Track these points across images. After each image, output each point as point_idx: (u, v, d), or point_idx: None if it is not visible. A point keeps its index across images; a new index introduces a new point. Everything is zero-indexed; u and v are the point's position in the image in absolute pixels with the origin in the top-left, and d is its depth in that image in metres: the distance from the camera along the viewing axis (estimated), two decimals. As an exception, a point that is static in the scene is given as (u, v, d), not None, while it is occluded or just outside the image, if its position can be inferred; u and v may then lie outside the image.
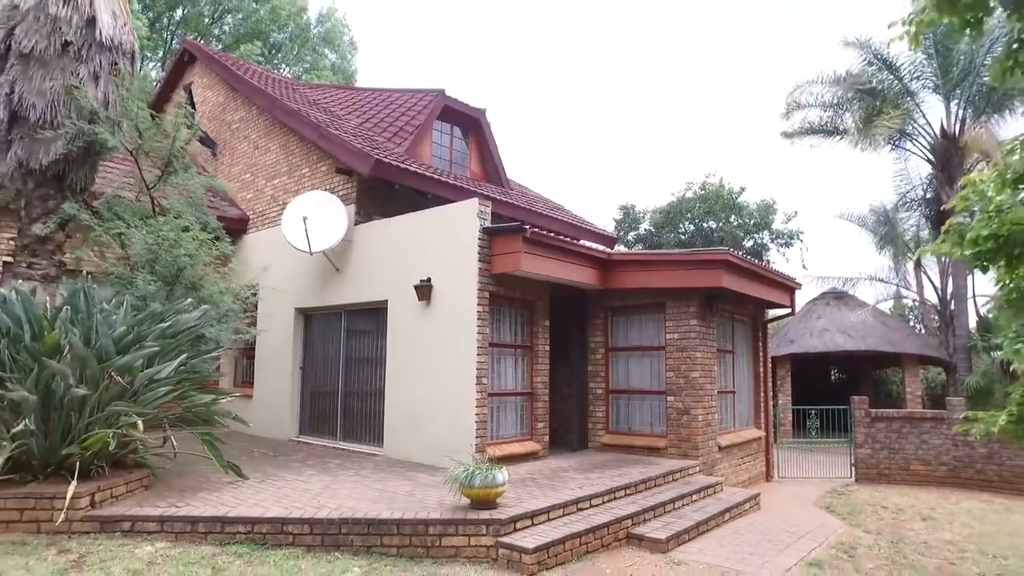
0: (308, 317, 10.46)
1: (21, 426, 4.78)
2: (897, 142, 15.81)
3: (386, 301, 8.88)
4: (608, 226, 22.76)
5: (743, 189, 20.63)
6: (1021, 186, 4.36)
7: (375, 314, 9.21)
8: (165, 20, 23.03)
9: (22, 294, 5.43)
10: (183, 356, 5.95)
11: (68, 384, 5.11)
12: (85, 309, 5.76)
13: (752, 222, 20.05)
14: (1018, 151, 4.45)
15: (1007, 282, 4.40)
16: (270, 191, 11.74)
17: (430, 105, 12.27)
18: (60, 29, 6.72)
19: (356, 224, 9.62)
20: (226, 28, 23.60)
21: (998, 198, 4.27)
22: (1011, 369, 11.48)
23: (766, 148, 56.81)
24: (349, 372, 9.68)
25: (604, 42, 76.77)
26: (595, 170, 58.54)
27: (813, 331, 18.47)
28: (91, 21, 6.95)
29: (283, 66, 24.16)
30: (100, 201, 7.58)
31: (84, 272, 6.87)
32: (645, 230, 21.68)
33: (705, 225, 20.10)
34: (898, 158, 16.27)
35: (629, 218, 22.08)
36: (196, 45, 15.08)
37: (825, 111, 16.19)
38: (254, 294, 8.66)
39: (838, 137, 16.06)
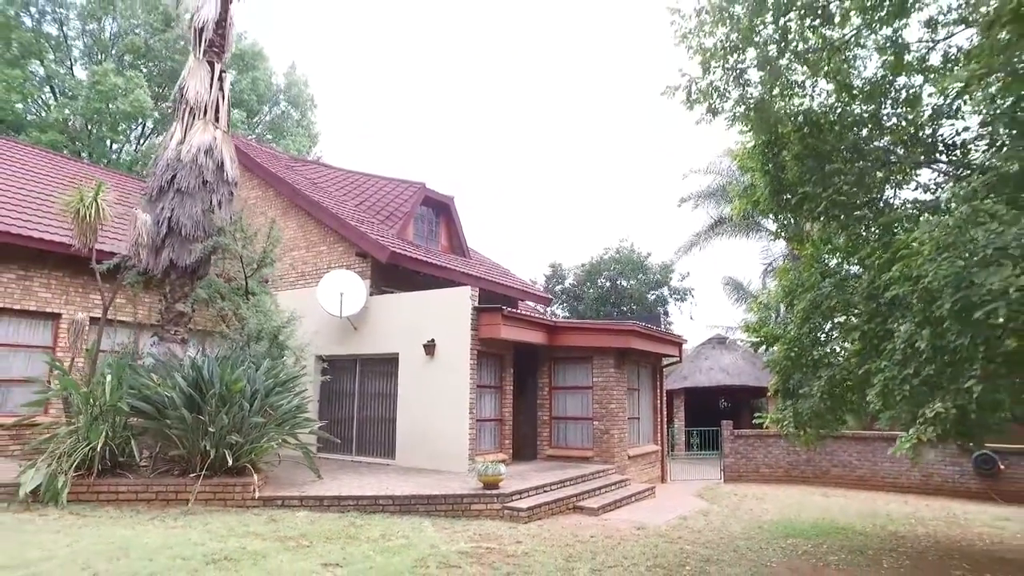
0: (323, 361, 13.72)
1: (233, 440, 8.06)
2: (757, 228, 20.91)
3: (397, 353, 12.37)
4: (538, 278, 27.01)
5: (649, 254, 25.61)
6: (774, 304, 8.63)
7: (387, 362, 12.66)
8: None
9: (208, 358, 8.68)
10: (298, 396, 9.33)
11: (245, 415, 8.41)
12: (232, 365, 9.04)
13: (655, 279, 24.87)
14: (777, 281, 8.70)
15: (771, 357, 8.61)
16: (288, 260, 14.96)
17: (415, 196, 15.94)
18: (202, 172, 9.97)
19: (371, 295, 13.08)
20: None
21: (763, 313, 8.50)
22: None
23: (671, 211, 63.70)
24: (363, 403, 13.04)
25: (536, 120, 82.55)
26: (528, 230, 64.02)
27: (701, 369, 23.14)
28: (220, 165, 10.23)
29: (254, 122, 27.06)
30: (203, 283, 10.76)
31: (222, 334, 10.10)
32: (570, 284, 26.15)
33: (619, 283, 24.76)
34: (760, 237, 21.45)
35: (557, 274, 26.49)
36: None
37: (706, 205, 21.25)
38: (321, 357, 11.97)
39: (716, 238, 21.12)
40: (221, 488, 8.32)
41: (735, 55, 6.32)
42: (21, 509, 7.38)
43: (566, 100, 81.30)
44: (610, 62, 79.81)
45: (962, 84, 5.34)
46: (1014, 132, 5.33)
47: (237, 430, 8.34)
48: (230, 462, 7.99)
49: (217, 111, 10.62)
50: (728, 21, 6.04)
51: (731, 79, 6.46)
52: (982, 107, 6.29)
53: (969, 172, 6.04)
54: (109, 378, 8.43)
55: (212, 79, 10.62)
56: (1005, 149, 5.49)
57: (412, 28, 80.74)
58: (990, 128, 6.00)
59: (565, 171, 75.91)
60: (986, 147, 6.20)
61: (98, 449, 7.89)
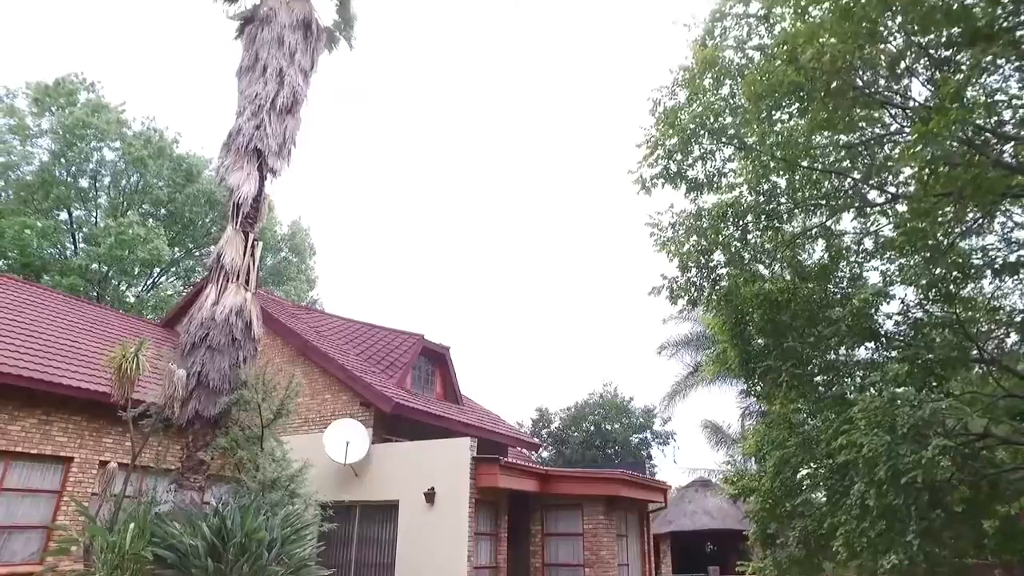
0: (323, 507, 14.06)
1: (252, 588, 8.50)
2: (733, 376, 22.24)
3: (398, 500, 12.88)
4: (525, 421, 27.77)
5: (632, 398, 26.80)
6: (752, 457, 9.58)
7: (387, 509, 13.12)
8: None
9: (231, 507, 9.28)
10: (311, 544, 9.82)
11: (264, 564, 8.90)
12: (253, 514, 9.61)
13: (638, 423, 25.78)
14: (750, 438, 9.71)
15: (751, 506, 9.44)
16: (291, 406, 15.66)
17: (414, 347, 17.06)
18: (232, 331, 11.05)
19: (373, 443, 13.77)
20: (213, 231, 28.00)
21: (742, 466, 9.44)
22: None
23: (652, 354, 65.81)
24: (361, 549, 13.29)
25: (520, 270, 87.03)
26: (515, 372, 65.74)
27: (686, 513, 23.41)
28: (248, 325, 11.36)
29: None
30: (222, 431, 11.47)
31: (238, 481, 10.68)
32: (556, 428, 26.93)
33: (603, 426, 25.62)
34: (736, 384, 22.69)
35: (543, 418, 27.33)
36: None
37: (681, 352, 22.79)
38: (325, 504, 12.52)
39: (695, 386, 22.54)
40: (234, 638, 8.61)
41: (705, 256, 7.80)
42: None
43: (551, 244, 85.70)
44: (596, 208, 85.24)
45: (874, 293, 6.78)
46: (924, 330, 6.71)
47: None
48: (249, 611, 8.38)
49: (248, 275, 11.91)
50: (697, 232, 7.58)
51: (704, 276, 7.91)
52: (904, 293, 7.78)
53: (896, 351, 7.35)
54: (132, 526, 8.93)
55: (246, 247, 11.99)
56: (916, 341, 6.86)
57: (395, 170, 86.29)
58: (910, 314, 7.41)
59: (550, 315, 78.75)
60: (905, 331, 7.57)
61: (120, 599, 8.26)
